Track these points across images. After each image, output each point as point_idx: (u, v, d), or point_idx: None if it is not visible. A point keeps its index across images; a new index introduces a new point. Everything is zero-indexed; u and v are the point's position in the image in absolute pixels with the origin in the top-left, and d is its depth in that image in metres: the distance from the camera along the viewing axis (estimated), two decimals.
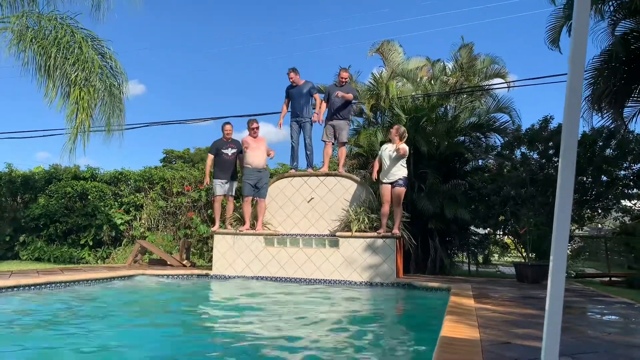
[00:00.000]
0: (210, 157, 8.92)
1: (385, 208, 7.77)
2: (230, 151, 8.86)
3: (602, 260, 11.66)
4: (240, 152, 8.86)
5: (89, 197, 12.70)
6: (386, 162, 7.82)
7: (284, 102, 9.07)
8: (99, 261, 12.04)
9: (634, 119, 9.56)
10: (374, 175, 8.01)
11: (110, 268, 8.65)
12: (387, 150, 7.84)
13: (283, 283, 7.87)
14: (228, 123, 9.06)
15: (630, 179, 10.31)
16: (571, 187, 1.30)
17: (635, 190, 10.37)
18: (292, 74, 8.83)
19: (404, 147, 7.71)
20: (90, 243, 12.27)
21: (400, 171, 7.72)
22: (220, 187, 8.79)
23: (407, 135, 8.01)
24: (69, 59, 7.63)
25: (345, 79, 8.71)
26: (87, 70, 7.62)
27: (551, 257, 1.30)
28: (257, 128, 8.69)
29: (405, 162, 7.83)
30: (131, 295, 6.51)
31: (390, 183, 7.74)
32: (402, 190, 7.72)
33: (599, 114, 9.75)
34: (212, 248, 9.30)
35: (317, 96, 8.84)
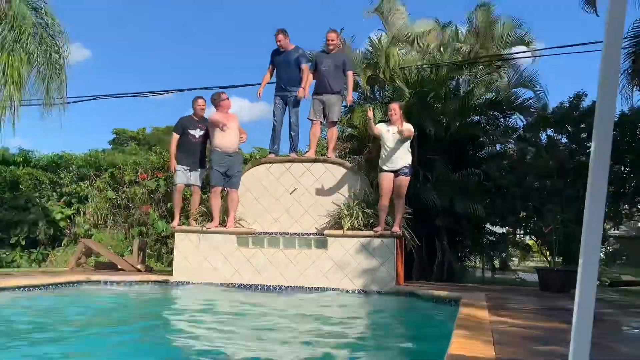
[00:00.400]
0: (176, 136, 8.86)
1: (385, 201, 7.79)
2: (198, 132, 8.82)
3: None
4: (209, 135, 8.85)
5: (20, 186, 12.55)
6: (388, 145, 7.79)
7: (267, 69, 9.00)
8: (33, 264, 11.94)
9: None
10: (372, 120, 7.95)
11: (47, 273, 8.58)
12: (389, 132, 7.81)
13: (259, 292, 7.88)
14: (201, 97, 9.02)
15: None
16: (605, 177, 1.32)
17: None
18: (280, 36, 8.74)
19: (409, 127, 7.72)
20: (23, 243, 12.15)
21: (405, 157, 7.72)
22: (182, 174, 8.76)
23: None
24: None
25: (333, 41, 8.63)
26: (17, 29, 7.47)
27: (580, 261, 1.32)
28: (227, 100, 8.64)
29: (409, 146, 7.85)
30: (72, 307, 6.47)
31: (394, 171, 7.74)
32: (406, 180, 7.73)
33: None
34: (172, 249, 9.28)
35: (306, 67, 8.74)
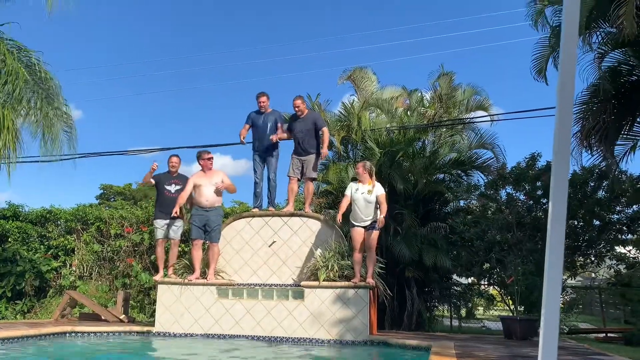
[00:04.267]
0: (152, 181, 8.75)
1: (358, 254, 7.76)
2: (174, 187, 8.68)
3: (597, 314, 11.94)
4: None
5: (9, 239, 12.23)
6: (359, 204, 7.81)
7: (244, 127, 8.98)
8: (18, 316, 11.51)
9: (625, 158, 9.98)
10: (340, 215, 7.96)
11: (32, 324, 8.27)
12: (359, 192, 7.83)
13: (237, 341, 7.68)
14: (175, 155, 8.99)
15: (624, 223, 10.67)
16: (562, 233, 1.34)
17: (629, 236, 10.73)
18: (263, 98, 8.78)
19: (382, 193, 7.80)
20: (9, 294, 11.73)
21: (375, 213, 7.78)
22: (161, 229, 8.64)
23: (374, 170, 8.09)
24: None
25: (297, 107, 8.65)
26: (11, 84, 7.45)
27: (542, 312, 1.33)
28: (211, 159, 8.56)
29: (377, 203, 7.89)
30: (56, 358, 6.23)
31: (364, 227, 7.76)
32: (376, 233, 7.76)
33: (589, 151, 10.16)
34: (154, 301, 9.04)
35: (280, 125, 8.85)
